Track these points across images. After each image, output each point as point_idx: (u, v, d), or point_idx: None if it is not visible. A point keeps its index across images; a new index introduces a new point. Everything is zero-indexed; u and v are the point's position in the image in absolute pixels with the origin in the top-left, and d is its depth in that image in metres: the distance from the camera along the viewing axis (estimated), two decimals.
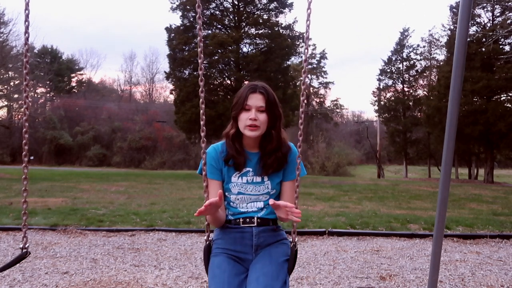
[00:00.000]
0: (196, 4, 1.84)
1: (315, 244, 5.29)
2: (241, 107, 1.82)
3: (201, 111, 1.84)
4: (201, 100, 1.87)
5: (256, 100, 1.81)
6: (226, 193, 1.89)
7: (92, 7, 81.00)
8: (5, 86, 24.91)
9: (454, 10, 24.01)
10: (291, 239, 1.91)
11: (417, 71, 32.68)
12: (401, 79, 32.69)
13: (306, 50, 1.95)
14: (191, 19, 20.97)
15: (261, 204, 1.89)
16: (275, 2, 22.13)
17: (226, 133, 1.91)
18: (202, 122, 1.84)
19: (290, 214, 1.65)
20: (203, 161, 1.84)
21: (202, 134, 1.83)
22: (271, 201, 1.70)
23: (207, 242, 1.90)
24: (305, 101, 1.91)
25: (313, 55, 45.50)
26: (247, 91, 1.83)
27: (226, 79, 22.64)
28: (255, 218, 1.87)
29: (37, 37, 58.59)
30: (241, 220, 1.87)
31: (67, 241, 5.27)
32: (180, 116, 20.78)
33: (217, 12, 22.07)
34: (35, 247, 4.81)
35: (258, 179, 1.88)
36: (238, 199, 1.88)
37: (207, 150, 1.87)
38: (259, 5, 22.34)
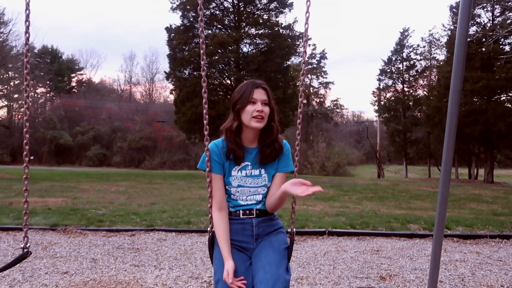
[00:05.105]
0: (198, 7, 1.89)
1: (315, 244, 5.28)
2: (246, 100, 1.93)
3: (204, 110, 1.97)
4: (204, 100, 1.98)
5: (260, 95, 1.95)
6: (227, 187, 1.99)
7: (90, 5, 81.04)
8: (5, 86, 24.86)
9: (454, 10, 24.01)
10: (290, 230, 2.08)
11: (417, 71, 32.68)
12: (401, 79, 32.68)
13: (304, 54, 2.11)
14: (191, 19, 20.95)
15: (259, 197, 2.01)
16: (275, 2, 22.10)
17: (226, 127, 1.99)
18: (205, 121, 1.96)
19: (306, 192, 1.75)
20: (207, 158, 1.94)
21: (206, 132, 1.97)
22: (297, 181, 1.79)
23: (211, 234, 2.00)
24: (304, 100, 1.96)
25: (313, 55, 45.29)
26: (252, 86, 1.95)
27: (226, 79, 22.62)
28: (254, 210, 2.00)
29: (37, 37, 58.60)
30: (241, 212, 1.99)
31: (67, 241, 5.27)
32: (180, 116, 20.76)
33: (217, 12, 22.05)
34: (35, 247, 4.81)
35: (256, 172, 2.00)
36: (238, 192, 1.99)
37: (209, 146, 1.97)
38: (259, 5, 22.31)
